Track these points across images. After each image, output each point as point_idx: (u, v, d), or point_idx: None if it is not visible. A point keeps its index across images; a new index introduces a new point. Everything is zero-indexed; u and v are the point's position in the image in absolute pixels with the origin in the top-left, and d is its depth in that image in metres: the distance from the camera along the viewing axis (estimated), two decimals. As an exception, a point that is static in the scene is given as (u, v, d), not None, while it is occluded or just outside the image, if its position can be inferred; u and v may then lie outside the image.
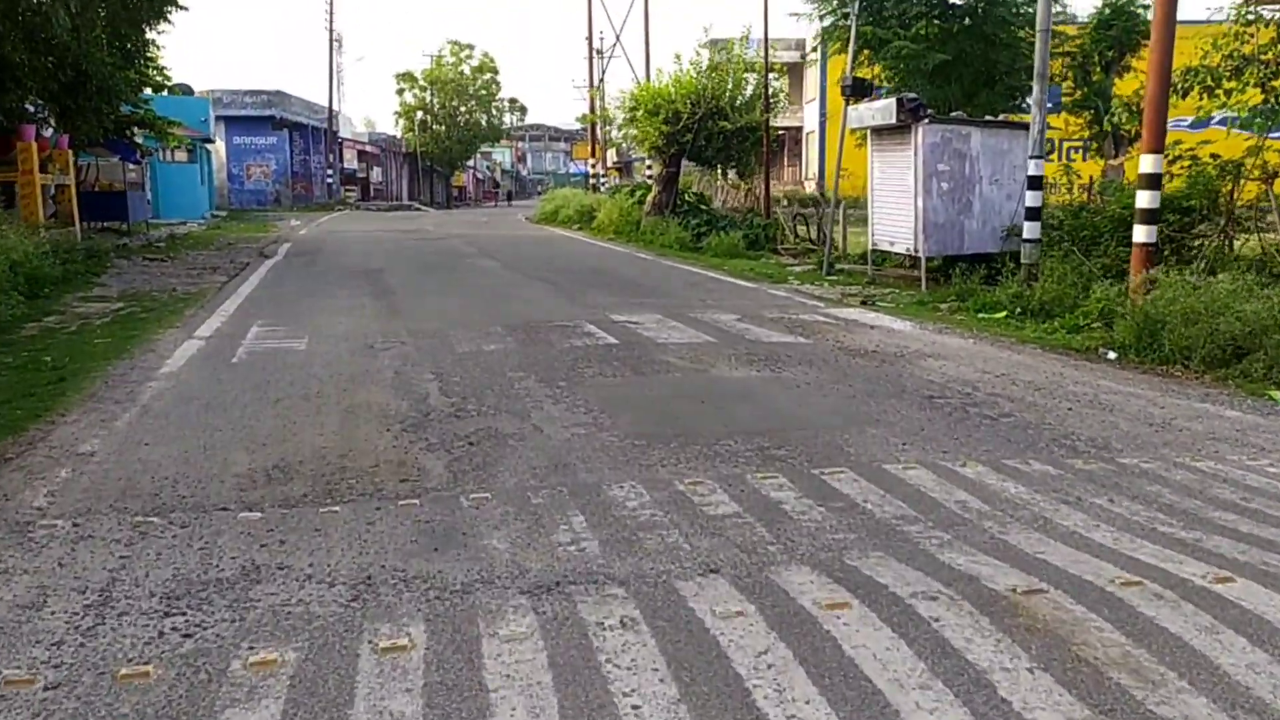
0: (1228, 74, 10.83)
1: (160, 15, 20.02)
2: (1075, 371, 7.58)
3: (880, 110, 13.69)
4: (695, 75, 21.79)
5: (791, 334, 9.11)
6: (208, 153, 38.12)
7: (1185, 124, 15.08)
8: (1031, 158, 10.73)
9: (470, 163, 75.45)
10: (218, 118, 41.17)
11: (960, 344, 8.81)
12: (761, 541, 3.84)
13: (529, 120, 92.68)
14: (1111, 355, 8.15)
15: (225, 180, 44.72)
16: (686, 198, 23.86)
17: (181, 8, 19.93)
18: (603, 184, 37.81)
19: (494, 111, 66.68)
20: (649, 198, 23.58)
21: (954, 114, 13.98)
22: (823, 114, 36.10)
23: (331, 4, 49.74)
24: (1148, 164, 8.94)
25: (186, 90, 35.29)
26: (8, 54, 15.59)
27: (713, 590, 3.37)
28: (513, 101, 69.75)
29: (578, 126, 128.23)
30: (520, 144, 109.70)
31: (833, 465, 4.88)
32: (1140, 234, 9.12)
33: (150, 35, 21.13)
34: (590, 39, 35.49)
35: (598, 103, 35.34)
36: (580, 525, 4.02)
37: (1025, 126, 14.12)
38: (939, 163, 13.19)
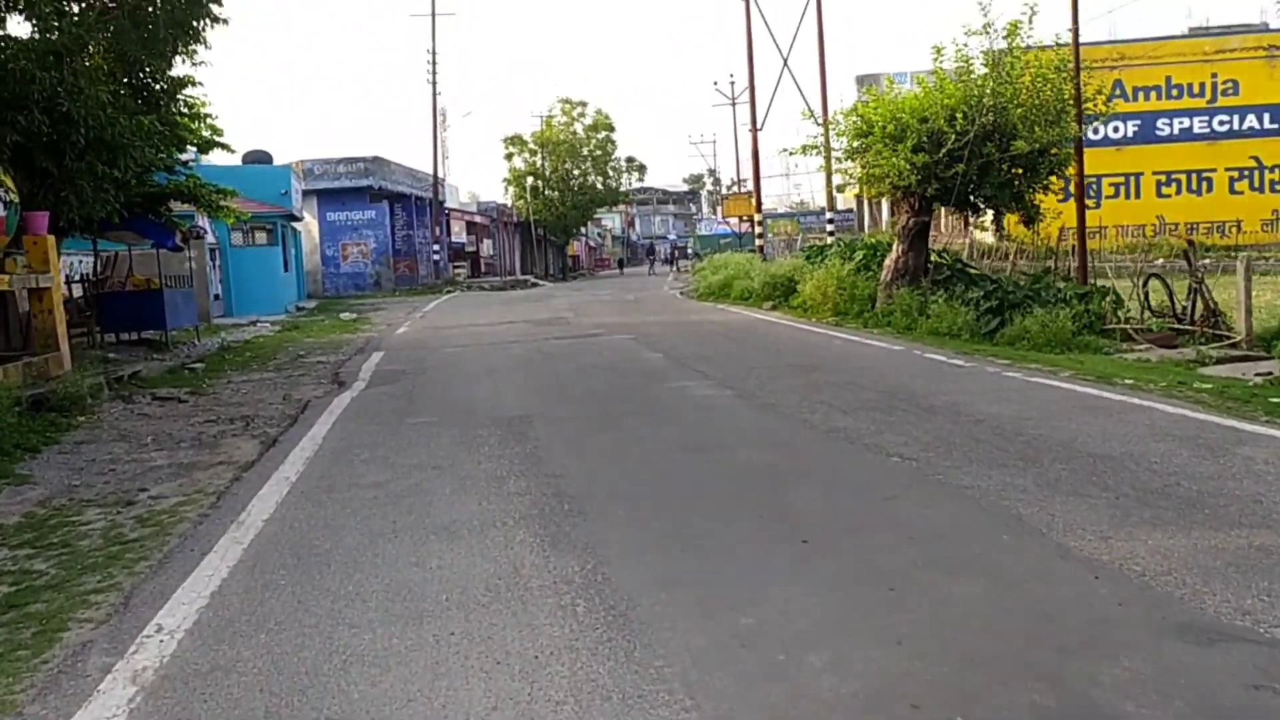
0: None
1: (192, 36, 13.76)
2: None
3: None
4: (968, 79, 14.57)
5: None
6: (295, 233, 32.39)
7: None
8: None
9: (582, 230, 69.44)
10: (308, 191, 35.56)
11: None
12: None
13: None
14: None
15: (319, 264, 39.07)
16: (941, 259, 16.53)
17: (220, 20, 13.71)
18: (762, 248, 30.79)
19: (610, 173, 60.49)
20: (887, 261, 16.27)
21: None
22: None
23: (434, 55, 44.43)
24: None
25: (263, 158, 29.66)
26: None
27: None
28: (630, 161, 63.07)
29: (686, 188, 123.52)
30: (629, 208, 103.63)
31: None
32: None
33: (182, 69, 14.78)
34: (750, 63, 28.66)
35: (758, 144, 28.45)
36: None
37: None
38: None
